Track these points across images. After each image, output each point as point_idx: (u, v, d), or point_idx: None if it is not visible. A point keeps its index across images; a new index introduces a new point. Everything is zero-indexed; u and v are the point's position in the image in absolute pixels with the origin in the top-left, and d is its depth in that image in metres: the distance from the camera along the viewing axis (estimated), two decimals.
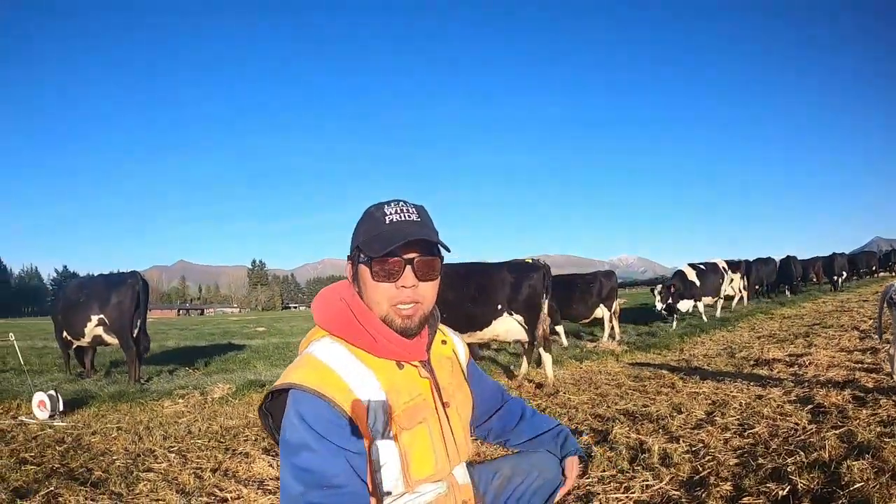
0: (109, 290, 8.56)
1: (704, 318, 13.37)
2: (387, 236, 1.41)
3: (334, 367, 1.39)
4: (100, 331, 8.52)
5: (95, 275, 9.49)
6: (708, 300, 13.66)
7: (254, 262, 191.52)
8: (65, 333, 8.88)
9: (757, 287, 20.44)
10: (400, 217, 1.44)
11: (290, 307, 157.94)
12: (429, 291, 1.48)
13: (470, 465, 1.71)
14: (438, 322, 1.67)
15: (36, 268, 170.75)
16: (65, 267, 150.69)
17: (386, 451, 1.39)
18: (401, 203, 1.48)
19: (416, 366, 1.51)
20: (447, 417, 1.53)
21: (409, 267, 1.42)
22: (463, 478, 1.60)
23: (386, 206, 1.47)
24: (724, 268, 14.13)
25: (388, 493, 1.40)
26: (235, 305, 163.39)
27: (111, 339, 8.60)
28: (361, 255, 1.46)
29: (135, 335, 8.47)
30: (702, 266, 13.48)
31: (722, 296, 14.05)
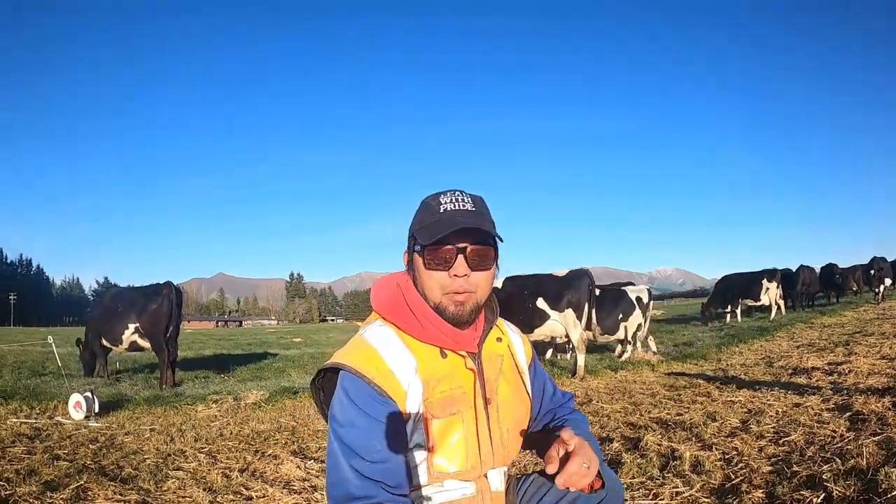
0: (145, 300, 9.03)
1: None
2: (439, 224, 1.42)
3: (379, 350, 1.43)
4: (136, 337, 8.98)
5: (130, 286, 10.07)
6: (605, 338, 10.29)
7: (292, 274, 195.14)
8: (103, 340, 9.30)
9: (802, 289, 19.93)
10: (454, 206, 1.45)
11: (327, 320, 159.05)
12: (482, 281, 1.46)
13: (515, 477, 1.65)
14: (497, 317, 1.64)
15: (78, 279, 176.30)
16: (106, 278, 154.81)
17: (415, 436, 1.40)
18: (457, 192, 1.48)
19: (462, 356, 1.49)
20: (486, 415, 1.49)
21: (461, 256, 1.42)
22: (497, 485, 1.53)
23: (442, 196, 1.48)
24: (638, 298, 10.60)
25: (411, 481, 1.40)
26: (273, 317, 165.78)
27: (146, 345, 9.04)
28: (415, 244, 1.47)
29: (166, 341, 8.85)
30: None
31: (629, 333, 10.35)
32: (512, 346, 1.67)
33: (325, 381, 1.54)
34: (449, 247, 1.42)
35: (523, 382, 1.65)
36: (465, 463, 1.43)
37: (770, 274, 17.29)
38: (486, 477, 1.50)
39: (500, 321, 1.70)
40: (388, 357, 1.42)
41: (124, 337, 9.03)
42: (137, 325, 8.96)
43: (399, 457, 1.37)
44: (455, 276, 1.43)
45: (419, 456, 1.41)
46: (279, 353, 16.10)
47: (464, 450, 1.43)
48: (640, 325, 10.57)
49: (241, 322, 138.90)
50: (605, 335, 10.32)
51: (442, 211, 1.44)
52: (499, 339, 1.63)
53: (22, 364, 11.63)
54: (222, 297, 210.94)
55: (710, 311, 18.59)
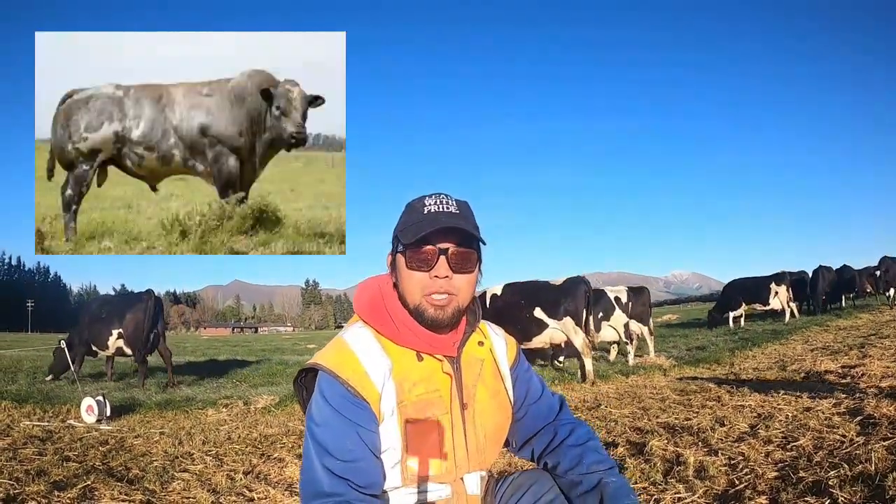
0: (126, 308, 9.54)
1: None
2: (422, 224, 1.41)
3: (356, 352, 1.43)
4: (121, 343, 9.47)
5: (114, 294, 10.70)
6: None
7: (307, 281, 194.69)
8: (92, 346, 9.78)
9: (824, 298, 19.66)
10: (438, 208, 1.44)
11: (343, 326, 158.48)
12: (464, 284, 1.45)
13: (494, 478, 1.63)
14: (479, 321, 1.62)
15: (94, 286, 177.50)
16: (123, 285, 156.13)
17: (388, 438, 1.41)
18: (442, 195, 1.47)
19: (439, 360, 1.48)
20: (462, 420, 1.49)
21: (443, 257, 1.41)
22: (474, 488, 1.52)
23: (426, 198, 1.47)
24: (616, 298, 10.44)
25: (385, 482, 1.41)
26: (289, 324, 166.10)
27: (129, 350, 9.57)
28: (398, 245, 1.47)
29: (148, 346, 9.43)
30: None
31: (622, 333, 10.15)
32: (494, 351, 1.65)
33: (308, 380, 1.55)
34: (431, 247, 1.41)
35: (505, 388, 1.62)
36: (440, 467, 1.44)
37: (778, 278, 17.13)
38: (462, 480, 1.49)
39: (484, 324, 1.68)
40: (364, 359, 1.42)
41: (109, 343, 9.49)
42: (120, 330, 9.41)
43: (370, 457, 1.37)
44: (436, 277, 1.42)
45: (393, 458, 1.41)
46: (294, 359, 16.14)
47: (438, 454, 1.43)
48: (627, 325, 10.51)
49: (256, 329, 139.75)
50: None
51: (426, 212, 1.43)
52: (480, 343, 1.61)
53: (37, 369, 11.78)
54: (238, 304, 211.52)
55: (715, 316, 18.48)
